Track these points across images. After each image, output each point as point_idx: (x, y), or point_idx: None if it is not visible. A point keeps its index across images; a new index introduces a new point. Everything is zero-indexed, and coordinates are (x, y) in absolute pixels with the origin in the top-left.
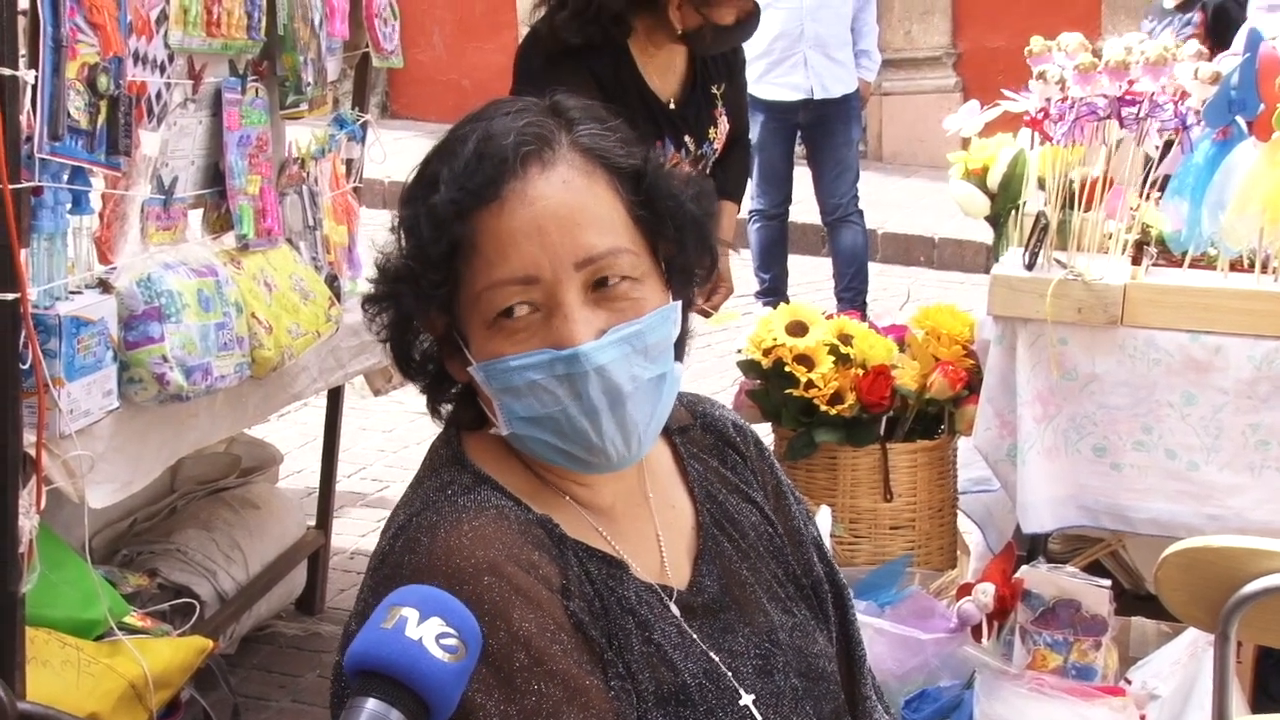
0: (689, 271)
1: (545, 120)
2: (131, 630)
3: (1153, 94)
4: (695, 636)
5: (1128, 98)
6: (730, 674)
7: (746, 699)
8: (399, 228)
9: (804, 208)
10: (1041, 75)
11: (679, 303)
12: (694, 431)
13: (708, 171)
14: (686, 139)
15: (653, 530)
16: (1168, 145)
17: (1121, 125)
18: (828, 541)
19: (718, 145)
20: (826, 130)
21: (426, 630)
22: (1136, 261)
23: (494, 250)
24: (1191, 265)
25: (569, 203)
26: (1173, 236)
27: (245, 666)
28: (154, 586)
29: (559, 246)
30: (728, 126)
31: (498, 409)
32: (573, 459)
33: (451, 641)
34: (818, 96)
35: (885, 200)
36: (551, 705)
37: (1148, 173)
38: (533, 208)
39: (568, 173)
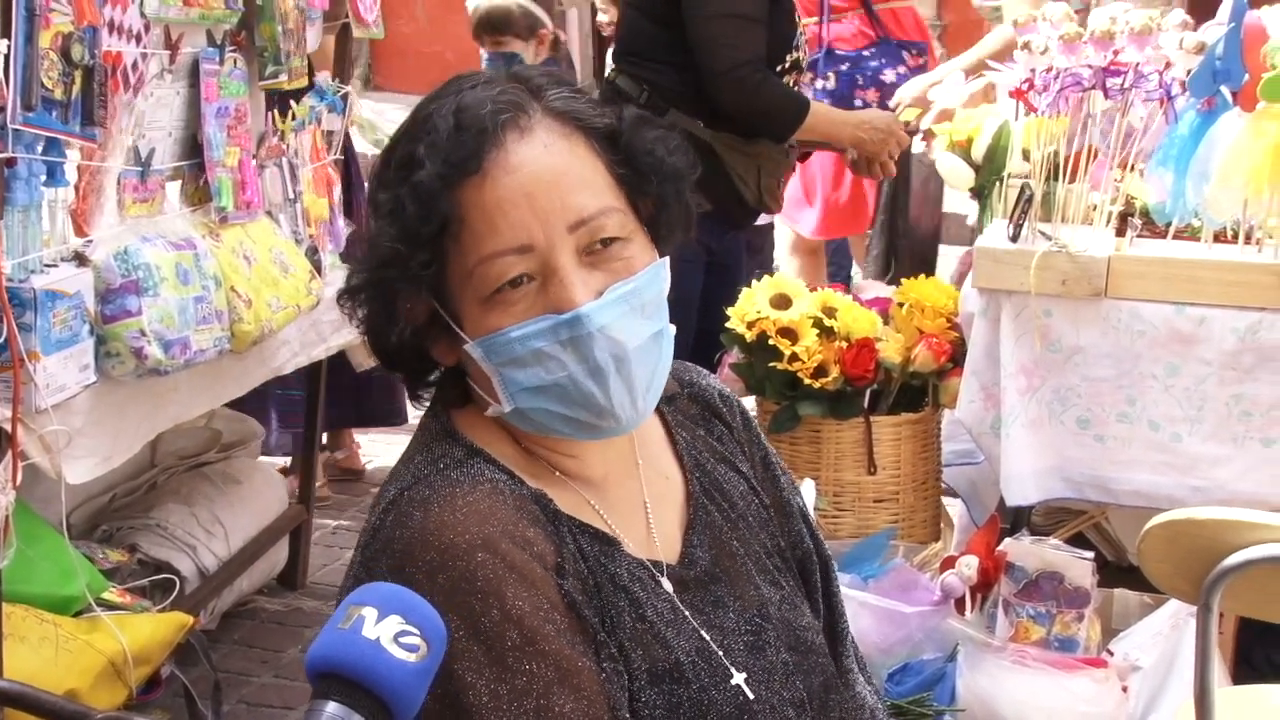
0: (672, 226)
1: (515, 88)
2: (110, 606)
3: (1138, 64)
4: (687, 614)
5: (1112, 68)
6: (721, 653)
7: (738, 678)
8: (376, 213)
9: None
10: (1026, 45)
11: (666, 259)
12: (681, 401)
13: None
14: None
15: (641, 501)
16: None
17: (1106, 96)
18: (811, 515)
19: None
20: None
21: (385, 629)
22: (1121, 233)
23: (483, 223)
24: (1175, 237)
25: (553, 166)
26: (1157, 208)
27: (226, 642)
28: (134, 562)
29: (549, 210)
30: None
31: (498, 385)
32: (579, 425)
33: (412, 640)
34: None
35: None
36: (542, 686)
37: (1132, 144)
38: (518, 174)
39: (546, 136)
